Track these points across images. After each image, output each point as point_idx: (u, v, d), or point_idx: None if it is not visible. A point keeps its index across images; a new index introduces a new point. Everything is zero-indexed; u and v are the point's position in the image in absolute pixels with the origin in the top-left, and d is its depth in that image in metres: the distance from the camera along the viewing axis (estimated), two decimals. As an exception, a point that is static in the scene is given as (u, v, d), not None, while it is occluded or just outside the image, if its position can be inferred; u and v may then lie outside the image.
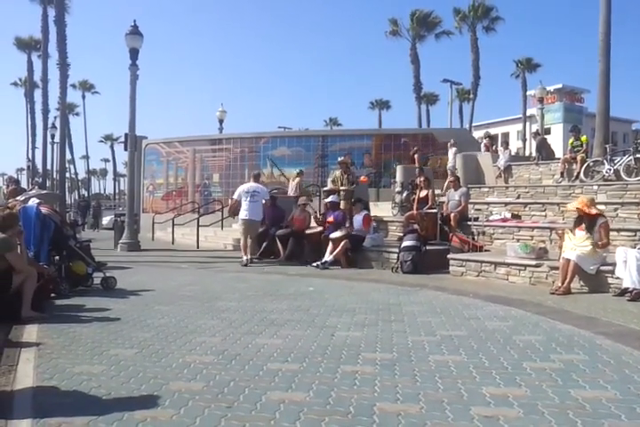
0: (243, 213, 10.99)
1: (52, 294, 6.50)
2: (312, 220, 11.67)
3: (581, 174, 13.06)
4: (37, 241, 6.80)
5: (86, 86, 64.85)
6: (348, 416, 2.82)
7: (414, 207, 11.15)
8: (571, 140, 14.73)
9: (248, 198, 10.91)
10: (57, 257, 7.23)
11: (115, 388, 3.25)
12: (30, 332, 4.79)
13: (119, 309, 5.83)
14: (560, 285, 6.93)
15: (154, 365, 3.75)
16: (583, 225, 7.16)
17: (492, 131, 45.96)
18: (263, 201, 11.04)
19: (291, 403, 3.00)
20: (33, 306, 5.33)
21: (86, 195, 60.81)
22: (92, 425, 2.70)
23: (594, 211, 7.23)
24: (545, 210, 10.72)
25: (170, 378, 3.44)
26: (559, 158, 15.27)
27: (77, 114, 65.33)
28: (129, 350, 4.12)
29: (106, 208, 36.24)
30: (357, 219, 10.65)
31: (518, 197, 12.47)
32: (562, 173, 13.91)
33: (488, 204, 11.81)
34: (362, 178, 15.46)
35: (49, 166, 37.98)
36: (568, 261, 6.93)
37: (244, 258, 10.61)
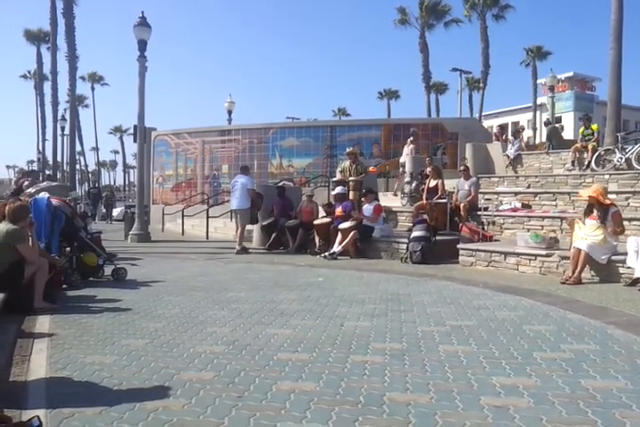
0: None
1: (64, 286, 6.55)
2: (320, 210, 11.69)
3: (592, 163, 12.96)
4: (48, 233, 6.84)
5: (95, 78, 64.95)
6: (357, 406, 2.83)
7: (424, 197, 11.12)
8: (581, 129, 14.60)
9: (232, 189, 11.63)
10: (68, 248, 7.29)
11: (126, 378, 3.28)
12: (42, 323, 4.83)
13: (130, 299, 5.87)
14: (571, 274, 6.90)
15: (165, 355, 3.77)
16: (594, 214, 7.11)
17: (503, 120, 45.74)
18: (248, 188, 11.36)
19: (301, 393, 3.02)
20: (45, 297, 5.38)
21: (97, 184, 60.98)
22: (105, 415, 2.72)
23: (607, 201, 7.18)
24: (555, 199, 10.66)
25: (181, 368, 3.47)
26: (571, 146, 15.14)
27: (87, 106, 65.56)
28: (140, 341, 4.15)
29: (116, 199, 36.29)
30: (368, 208, 10.63)
31: (528, 187, 12.41)
32: (573, 162, 13.81)
33: (498, 193, 11.77)
34: (371, 168, 15.44)
35: (59, 158, 38.17)
36: (579, 250, 6.90)
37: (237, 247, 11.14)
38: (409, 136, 16.71)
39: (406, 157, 14.99)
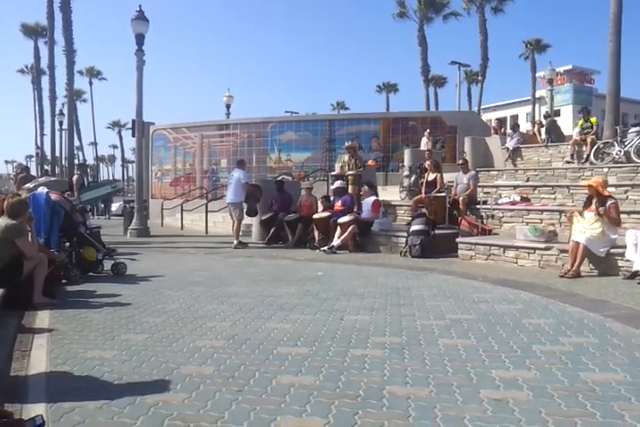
0: None
1: (63, 281, 6.55)
2: (320, 204, 11.68)
3: (591, 156, 12.94)
4: (48, 228, 6.84)
5: (93, 73, 64.74)
6: (357, 399, 2.84)
7: (423, 191, 11.11)
8: (580, 122, 14.57)
9: (228, 183, 11.70)
10: (67, 243, 7.28)
11: (126, 372, 3.29)
12: (42, 318, 4.84)
13: (129, 294, 5.87)
14: (569, 268, 6.91)
15: (165, 349, 3.78)
16: (593, 206, 7.10)
17: (501, 113, 45.61)
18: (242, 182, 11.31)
19: (301, 387, 3.02)
20: (44, 292, 5.37)
21: (96, 179, 60.89)
22: (105, 409, 2.73)
23: (606, 193, 7.20)
24: (554, 193, 10.65)
25: (181, 362, 3.47)
26: (569, 140, 15.12)
27: (85, 100, 65.40)
28: (140, 335, 4.16)
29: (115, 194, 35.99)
30: (367, 203, 10.63)
31: (527, 180, 12.38)
32: (572, 156, 13.78)
33: (497, 187, 11.76)
34: (370, 162, 15.43)
35: (57, 153, 38.15)
36: (577, 243, 6.91)
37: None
38: (408, 130, 16.85)
39: (424, 147, 15.41)
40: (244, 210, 11.49)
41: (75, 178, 13.23)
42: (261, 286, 6.38)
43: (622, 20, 15.41)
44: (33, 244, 5.61)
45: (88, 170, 14.07)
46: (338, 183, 11.09)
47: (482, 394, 2.89)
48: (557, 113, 35.63)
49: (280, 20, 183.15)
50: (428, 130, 17.10)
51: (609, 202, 7.08)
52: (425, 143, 16.39)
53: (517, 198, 10.63)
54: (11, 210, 5.40)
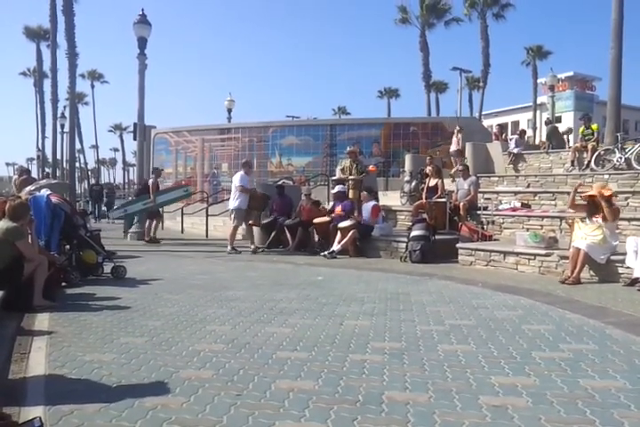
0: None
1: (63, 283, 6.55)
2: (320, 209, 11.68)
3: (592, 163, 12.94)
4: (48, 230, 6.85)
5: (95, 76, 64.90)
6: (356, 405, 2.83)
7: (423, 196, 11.12)
8: (581, 129, 14.58)
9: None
10: (67, 246, 7.29)
11: (125, 376, 3.28)
12: (42, 320, 4.84)
13: (129, 297, 5.87)
14: (570, 274, 6.90)
15: (164, 353, 3.77)
16: (600, 214, 7.03)
17: (502, 119, 45.68)
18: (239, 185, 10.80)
19: (300, 391, 3.02)
20: (44, 295, 5.38)
21: (98, 181, 60.83)
22: (104, 412, 2.73)
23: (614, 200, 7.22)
24: (555, 199, 10.66)
25: (180, 366, 3.47)
26: (570, 147, 15.13)
27: (87, 103, 65.42)
28: (139, 339, 4.15)
29: (116, 197, 35.93)
30: (366, 208, 10.63)
31: (528, 186, 12.39)
32: (572, 162, 13.79)
33: (497, 193, 11.76)
34: (370, 167, 15.43)
35: (59, 156, 38.09)
36: (578, 250, 6.90)
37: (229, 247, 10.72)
38: (409, 135, 16.74)
39: (455, 146, 15.21)
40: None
41: (150, 181, 13.29)
42: (261, 291, 6.37)
43: (624, 26, 15.45)
44: (33, 246, 5.61)
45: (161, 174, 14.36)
46: (338, 188, 11.09)
47: (481, 400, 2.89)
48: (559, 119, 35.71)
49: (282, 24, 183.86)
50: (457, 127, 16.19)
51: (614, 206, 7.10)
52: (455, 142, 15.71)
53: (518, 204, 10.64)
54: (12, 212, 5.41)
